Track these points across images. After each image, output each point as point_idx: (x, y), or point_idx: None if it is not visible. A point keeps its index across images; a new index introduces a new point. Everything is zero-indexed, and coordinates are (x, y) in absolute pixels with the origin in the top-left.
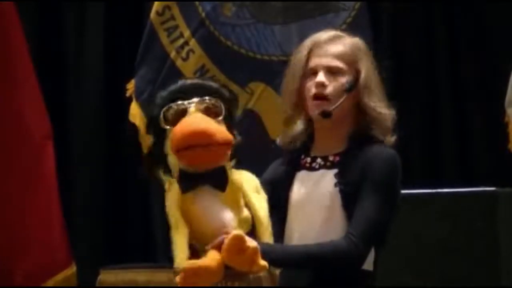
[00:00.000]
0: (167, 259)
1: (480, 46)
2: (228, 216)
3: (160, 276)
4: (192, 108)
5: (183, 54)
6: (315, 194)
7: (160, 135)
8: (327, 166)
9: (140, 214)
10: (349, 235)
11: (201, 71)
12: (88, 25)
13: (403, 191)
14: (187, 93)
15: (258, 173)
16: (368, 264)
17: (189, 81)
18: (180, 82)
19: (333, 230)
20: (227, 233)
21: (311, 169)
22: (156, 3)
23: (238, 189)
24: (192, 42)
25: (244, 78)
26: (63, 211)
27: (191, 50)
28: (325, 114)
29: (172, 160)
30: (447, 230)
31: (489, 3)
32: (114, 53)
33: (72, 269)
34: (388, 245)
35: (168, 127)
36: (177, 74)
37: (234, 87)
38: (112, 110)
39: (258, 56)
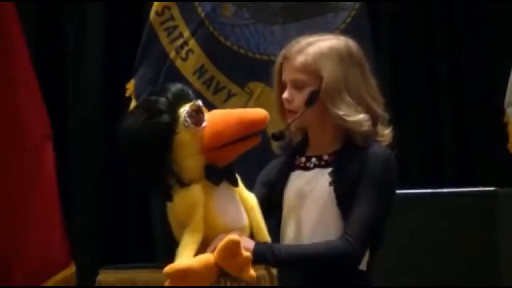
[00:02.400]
0: (166, 258)
1: (480, 46)
2: (243, 213)
3: (159, 276)
4: (201, 105)
5: (183, 54)
6: (310, 193)
7: (166, 144)
8: (321, 165)
9: (140, 214)
10: (345, 235)
11: (200, 71)
12: (88, 25)
13: (403, 191)
14: (182, 96)
15: (256, 173)
16: (362, 264)
17: (180, 86)
18: (174, 87)
19: (327, 229)
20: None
21: (306, 168)
22: (155, 3)
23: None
24: (192, 42)
25: (244, 78)
26: (63, 211)
27: (191, 50)
28: (275, 137)
29: (192, 161)
30: (447, 230)
31: (489, 3)
32: (114, 53)
33: (71, 269)
34: (387, 245)
35: (200, 126)
36: (177, 74)
37: (234, 87)
38: (111, 110)
39: (258, 56)
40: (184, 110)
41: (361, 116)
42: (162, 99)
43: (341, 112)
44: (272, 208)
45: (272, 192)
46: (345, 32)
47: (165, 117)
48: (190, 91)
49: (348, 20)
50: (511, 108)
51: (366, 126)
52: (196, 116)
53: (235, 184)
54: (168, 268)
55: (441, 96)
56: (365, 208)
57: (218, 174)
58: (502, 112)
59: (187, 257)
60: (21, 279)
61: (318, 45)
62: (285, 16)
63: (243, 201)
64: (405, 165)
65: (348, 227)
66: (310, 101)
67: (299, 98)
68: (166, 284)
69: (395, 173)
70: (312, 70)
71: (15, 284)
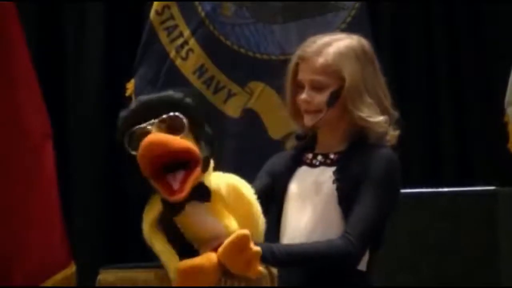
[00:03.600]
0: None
1: (480, 46)
2: (218, 226)
3: (159, 275)
4: (153, 129)
5: (183, 53)
6: (313, 190)
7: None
8: (327, 163)
9: (140, 214)
10: (346, 235)
11: (201, 71)
12: (88, 25)
13: (403, 191)
14: (149, 110)
15: (257, 172)
16: (362, 264)
17: (147, 98)
18: (139, 101)
19: (328, 227)
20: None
21: (312, 165)
22: (155, 2)
23: (220, 197)
24: (192, 42)
25: (244, 78)
26: (63, 211)
27: (191, 50)
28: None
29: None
30: (447, 229)
31: (489, 3)
32: (114, 53)
33: (71, 269)
34: (387, 245)
35: (134, 152)
36: (177, 73)
37: (234, 87)
38: (111, 110)
39: (258, 56)
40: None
41: (382, 118)
42: (121, 116)
43: (363, 114)
44: (271, 199)
45: (273, 184)
46: (345, 31)
47: (119, 136)
48: (158, 106)
49: (348, 19)
50: (511, 107)
51: (385, 127)
52: (136, 141)
53: (206, 201)
54: (181, 265)
55: (441, 96)
56: (367, 208)
57: (173, 206)
58: (502, 112)
59: (172, 255)
60: (21, 279)
61: (337, 45)
62: (285, 15)
63: (239, 210)
64: (405, 165)
65: (349, 227)
66: (332, 102)
67: (319, 99)
68: (175, 283)
69: (399, 175)
70: (332, 71)
71: (15, 284)
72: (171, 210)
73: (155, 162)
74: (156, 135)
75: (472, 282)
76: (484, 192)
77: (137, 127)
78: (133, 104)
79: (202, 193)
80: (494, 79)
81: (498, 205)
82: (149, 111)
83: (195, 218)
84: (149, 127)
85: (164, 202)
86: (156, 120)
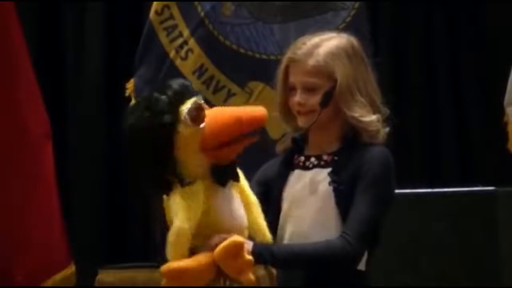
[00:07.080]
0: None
1: (480, 46)
2: (243, 214)
3: (159, 275)
4: (203, 103)
5: (182, 53)
6: (309, 193)
7: (168, 144)
8: (321, 165)
9: (140, 214)
10: (344, 235)
11: (200, 71)
12: (88, 25)
13: (402, 191)
14: (187, 92)
15: (254, 175)
16: (361, 264)
17: (178, 82)
18: (176, 84)
19: (326, 228)
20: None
21: (305, 168)
22: (155, 2)
23: (241, 182)
24: (191, 42)
25: (243, 78)
26: (63, 211)
27: (190, 50)
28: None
29: (194, 159)
30: (447, 229)
31: (489, 3)
32: (114, 53)
33: (71, 269)
34: (387, 245)
35: (200, 125)
36: (176, 73)
37: (233, 87)
38: (111, 110)
39: (257, 56)
40: (186, 108)
41: (374, 117)
42: (163, 98)
43: (356, 114)
44: (267, 207)
45: (269, 191)
46: (345, 31)
47: (167, 118)
48: (191, 87)
49: (348, 19)
50: (511, 107)
51: (377, 126)
52: (196, 114)
53: (237, 180)
54: (165, 267)
55: (441, 96)
56: (363, 207)
57: (224, 175)
58: (502, 112)
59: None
60: (21, 278)
61: (327, 46)
62: (285, 15)
63: (245, 197)
64: (405, 165)
65: (347, 227)
66: (325, 102)
67: (312, 100)
68: (163, 283)
69: (393, 173)
70: (324, 72)
71: (15, 284)
72: (223, 175)
73: (242, 131)
74: (249, 109)
75: (471, 282)
76: (484, 192)
77: (193, 101)
78: (171, 87)
79: (236, 170)
80: (494, 79)
81: (498, 205)
82: (183, 93)
83: (223, 202)
84: (201, 101)
85: (216, 169)
86: (199, 96)
